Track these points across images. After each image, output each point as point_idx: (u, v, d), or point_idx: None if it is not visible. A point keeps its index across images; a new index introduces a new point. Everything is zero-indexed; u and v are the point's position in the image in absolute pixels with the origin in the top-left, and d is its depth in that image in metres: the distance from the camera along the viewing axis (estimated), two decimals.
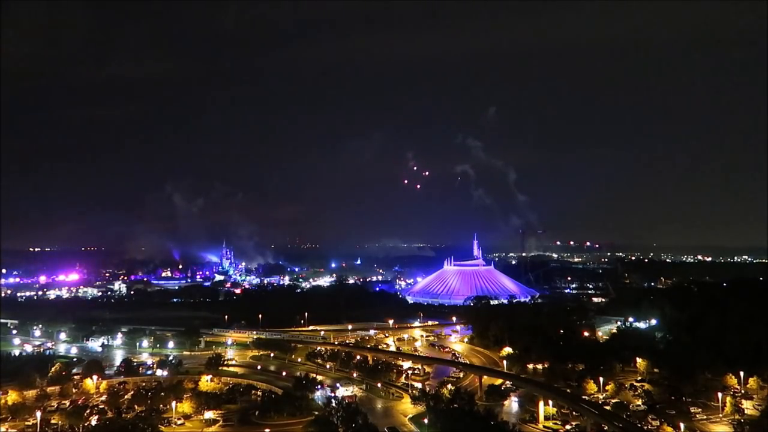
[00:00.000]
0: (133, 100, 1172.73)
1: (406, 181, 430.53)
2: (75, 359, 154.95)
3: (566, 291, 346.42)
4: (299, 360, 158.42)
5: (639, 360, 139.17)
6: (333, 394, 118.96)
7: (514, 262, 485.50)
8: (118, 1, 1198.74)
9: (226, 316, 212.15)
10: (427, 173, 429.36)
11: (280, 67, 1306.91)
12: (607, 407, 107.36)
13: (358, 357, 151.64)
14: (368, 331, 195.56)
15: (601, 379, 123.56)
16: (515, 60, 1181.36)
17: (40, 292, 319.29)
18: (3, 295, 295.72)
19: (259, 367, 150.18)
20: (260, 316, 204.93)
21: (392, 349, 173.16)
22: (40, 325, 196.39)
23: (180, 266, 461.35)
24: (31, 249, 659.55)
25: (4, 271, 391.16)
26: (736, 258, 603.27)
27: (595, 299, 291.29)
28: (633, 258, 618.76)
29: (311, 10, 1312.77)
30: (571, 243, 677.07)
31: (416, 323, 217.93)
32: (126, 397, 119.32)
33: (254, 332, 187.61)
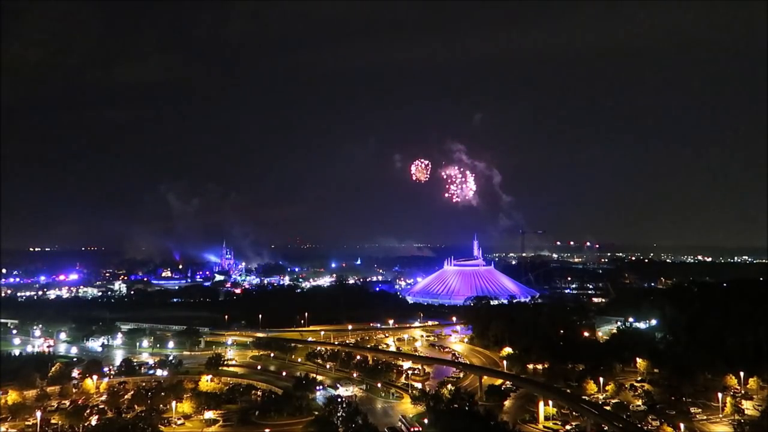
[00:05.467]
0: (134, 103, 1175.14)
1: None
2: (75, 359, 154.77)
3: (566, 291, 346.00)
4: (299, 360, 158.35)
5: (639, 360, 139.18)
6: (333, 394, 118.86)
7: (514, 262, 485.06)
8: (126, 7, 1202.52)
9: (226, 316, 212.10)
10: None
11: (283, 70, 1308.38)
12: (607, 407, 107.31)
13: (358, 357, 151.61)
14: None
15: (601, 379, 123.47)
16: (516, 62, 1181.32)
17: (40, 292, 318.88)
18: (3, 295, 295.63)
19: (259, 367, 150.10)
20: (260, 316, 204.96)
21: (392, 349, 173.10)
22: (40, 325, 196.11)
23: (180, 266, 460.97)
24: (31, 249, 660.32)
25: (4, 271, 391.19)
26: (736, 258, 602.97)
27: (595, 299, 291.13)
28: (633, 258, 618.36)
29: (311, 14, 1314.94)
30: (571, 243, 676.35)
31: (416, 323, 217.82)
32: (126, 397, 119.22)
33: (258, 333, 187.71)
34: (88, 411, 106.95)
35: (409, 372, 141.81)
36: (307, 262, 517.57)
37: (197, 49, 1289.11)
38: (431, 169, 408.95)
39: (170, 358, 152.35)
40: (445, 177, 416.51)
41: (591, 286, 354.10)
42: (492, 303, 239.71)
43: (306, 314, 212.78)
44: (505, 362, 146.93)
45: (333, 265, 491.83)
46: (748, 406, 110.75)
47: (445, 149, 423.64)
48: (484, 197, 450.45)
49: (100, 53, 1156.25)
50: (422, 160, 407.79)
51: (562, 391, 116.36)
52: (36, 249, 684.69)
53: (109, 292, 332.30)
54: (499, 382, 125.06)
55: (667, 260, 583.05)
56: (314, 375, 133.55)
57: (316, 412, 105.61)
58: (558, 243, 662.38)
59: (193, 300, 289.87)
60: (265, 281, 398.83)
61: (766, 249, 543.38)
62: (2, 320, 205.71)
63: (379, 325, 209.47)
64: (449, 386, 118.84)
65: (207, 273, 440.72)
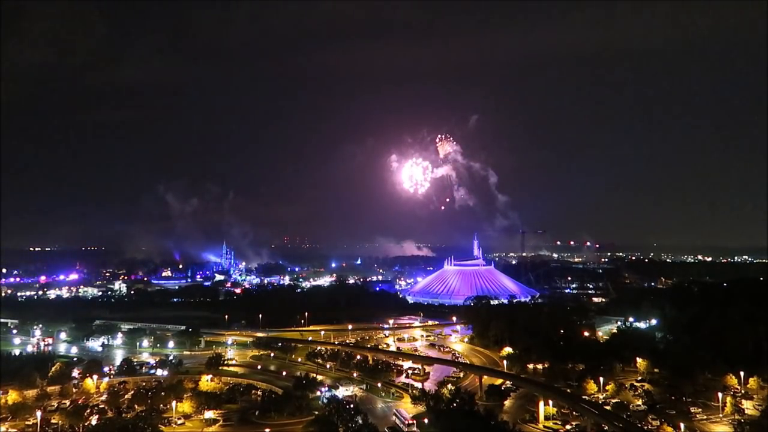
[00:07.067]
0: (135, 103, 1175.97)
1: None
2: (75, 359, 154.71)
3: (566, 291, 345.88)
4: (299, 360, 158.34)
5: (639, 360, 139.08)
6: (333, 394, 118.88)
7: (514, 262, 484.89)
8: (126, 8, 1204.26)
9: (226, 316, 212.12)
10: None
11: (283, 70, 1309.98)
12: (607, 407, 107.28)
13: (358, 357, 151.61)
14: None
15: (601, 379, 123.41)
16: (517, 62, 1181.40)
17: (40, 292, 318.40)
18: (3, 295, 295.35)
19: (259, 367, 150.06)
20: (260, 315, 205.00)
21: (392, 349, 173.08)
22: (40, 325, 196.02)
23: (180, 266, 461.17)
24: (31, 249, 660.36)
25: (4, 271, 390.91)
26: (736, 258, 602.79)
27: (595, 299, 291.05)
28: (633, 258, 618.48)
29: (311, 16, 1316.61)
30: (571, 243, 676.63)
31: (416, 323, 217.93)
32: (126, 396, 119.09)
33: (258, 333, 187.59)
34: (88, 411, 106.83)
35: (409, 372, 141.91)
36: (307, 262, 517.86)
37: (198, 50, 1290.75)
38: (429, 169, 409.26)
39: (170, 357, 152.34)
40: (443, 177, 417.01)
41: (591, 286, 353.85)
42: (492, 303, 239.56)
43: (306, 314, 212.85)
44: (505, 362, 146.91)
45: (333, 265, 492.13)
46: (748, 406, 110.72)
47: (442, 150, 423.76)
48: (484, 198, 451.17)
49: (101, 54, 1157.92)
50: (418, 162, 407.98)
51: (562, 391, 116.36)
52: (36, 249, 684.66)
53: (109, 292, 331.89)
54: (499, 381, 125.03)
55: (667, 260, 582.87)
56: (314, 375, 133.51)
57: (316, 412, 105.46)
58: (558, 243, 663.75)
59: (193, 300, 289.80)
60: (265, 281, 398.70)
61: (766, 249, 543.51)
62: (2, 320, 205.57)
63: (379, 324, 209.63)
64: (449, 386, 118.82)
65: (207, 273, 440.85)
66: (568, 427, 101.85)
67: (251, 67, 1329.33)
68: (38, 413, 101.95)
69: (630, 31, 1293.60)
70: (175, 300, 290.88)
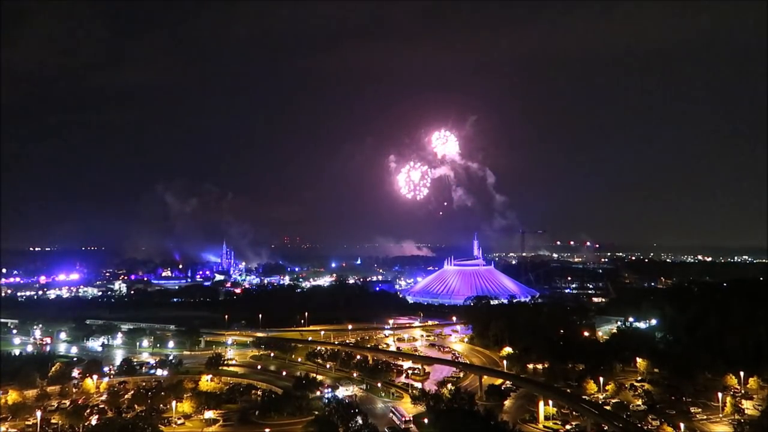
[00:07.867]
0: (136, 103, 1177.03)
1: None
2: (75, 359, 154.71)
3: (566, 291, 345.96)
4: (299, 360, 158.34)
5: (639, 360, 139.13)
6: (333, 394, 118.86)
7: (514, 262, 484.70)
8: (128, 9, 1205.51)
9: (226, 316, 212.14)
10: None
11: (283, 71, 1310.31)
12: (607, 407, 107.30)
13: (358, 357, 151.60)
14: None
15: (601, 379, 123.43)
16: (516, 64, 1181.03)
17: (40, 292, 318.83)
18: (3, 294, 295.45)
19: (259, 367, 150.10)
20: (260, 315, 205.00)
21: (392, 349, 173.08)
22: (40, 325, 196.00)
23: (180, 266, 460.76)
24: (31, 249, 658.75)
25: (4, 271, 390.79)
26: (736, 258, 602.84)
27: (595, 299, 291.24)
28: (633, 258, 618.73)
29: (311, 17, 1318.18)
30: (571, 243, 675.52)
31: (416, 323, 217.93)
32: (126, 396, 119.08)
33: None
34: (88, 411, 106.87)
35: (409, 372, 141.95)
36: (307, 262, 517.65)
37: (198, 51, 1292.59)
38: (428, 172, 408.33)
39: (170, 357, 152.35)
40: (441, 177, 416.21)
41: (591, 286, 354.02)
42: (492, 303, 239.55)
43: (306, 314, 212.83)
44: (505, 362, 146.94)
45: (333, 265, 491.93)
46: (748, 406, 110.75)
47: (440, 149, 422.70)
48: (483, 198, 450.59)
49: (102, 55, 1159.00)
50: (416, 166, 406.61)
51: (562, 391, 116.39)
52: (36, 249, 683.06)
53: (109, 292, 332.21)
54: (499, 381, 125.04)
55: (667, 260, 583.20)
56: (314, 375, 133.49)
57: (316, 412, 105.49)
58: (558, 243, 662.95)
59: (193, 300, 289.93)
60: (265, 281, 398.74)
61: (766, 249, 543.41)
62: (2, 320, 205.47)
63: (379, 325, 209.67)
64: (449, 386, 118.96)
65: (207, 273, 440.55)
66: (568, 427, 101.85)
67: (251, 67, 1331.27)
68: (38, 413, 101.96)
69: (629, 31, 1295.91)
70: (175, 300, 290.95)
